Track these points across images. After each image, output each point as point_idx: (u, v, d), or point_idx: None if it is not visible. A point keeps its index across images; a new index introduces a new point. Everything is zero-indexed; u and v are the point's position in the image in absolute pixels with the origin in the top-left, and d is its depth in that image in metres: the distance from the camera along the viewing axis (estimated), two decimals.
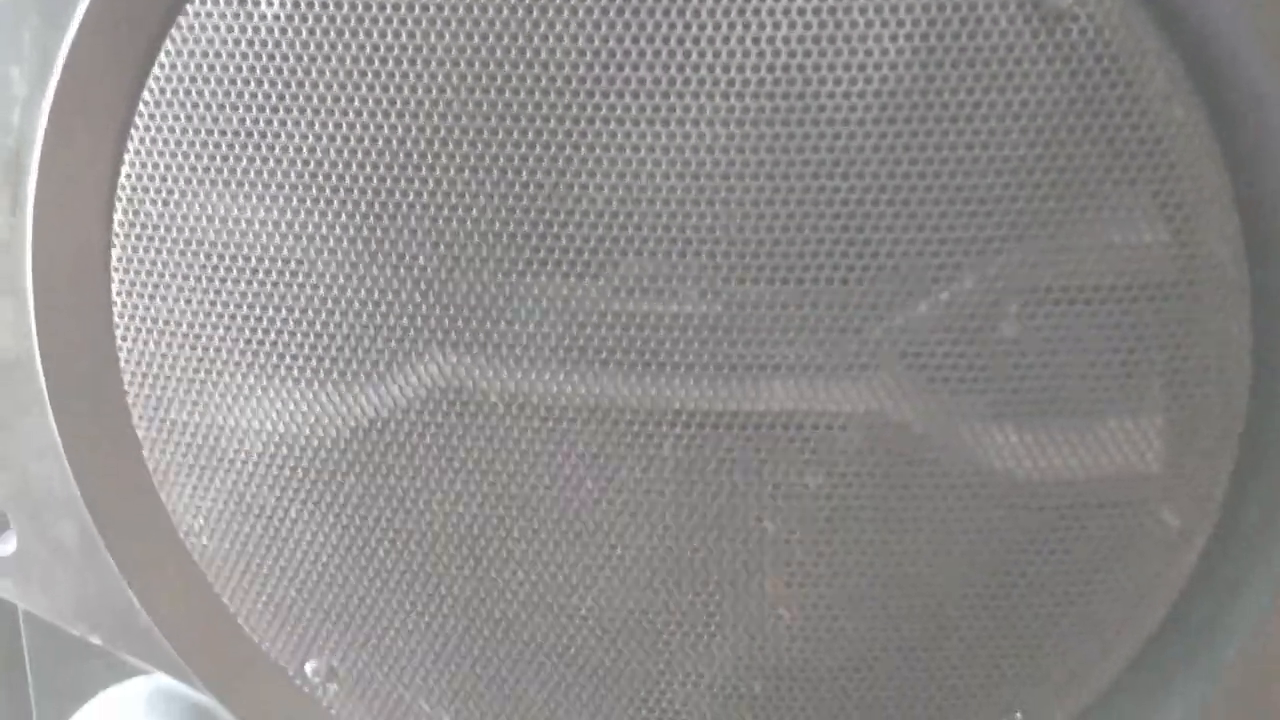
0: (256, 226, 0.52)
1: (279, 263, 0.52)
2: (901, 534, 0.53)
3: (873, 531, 0.53)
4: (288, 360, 0.54)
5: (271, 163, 0.51)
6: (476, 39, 0.48)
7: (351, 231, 0.51)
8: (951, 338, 0.50)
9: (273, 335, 0.53)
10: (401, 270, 0.51)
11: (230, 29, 0.50)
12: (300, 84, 0.50)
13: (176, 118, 0.51)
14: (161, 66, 0.51)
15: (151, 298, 0.54)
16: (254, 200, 0.52)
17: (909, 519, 0.53)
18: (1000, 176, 0.48)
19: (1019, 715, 0.57)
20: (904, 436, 0.51)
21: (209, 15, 0.50)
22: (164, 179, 0.52)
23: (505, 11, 0.48)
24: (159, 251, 0.53)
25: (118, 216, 0.53)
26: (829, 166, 0.48)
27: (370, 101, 0.50)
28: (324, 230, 0.51)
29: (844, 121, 0.48)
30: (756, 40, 0.47)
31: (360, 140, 0.50)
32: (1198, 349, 0.50)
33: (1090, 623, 0.55)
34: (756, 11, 0.47)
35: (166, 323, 0.54)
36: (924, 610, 0.55)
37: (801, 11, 0.47)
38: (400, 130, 0.50)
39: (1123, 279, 0.49)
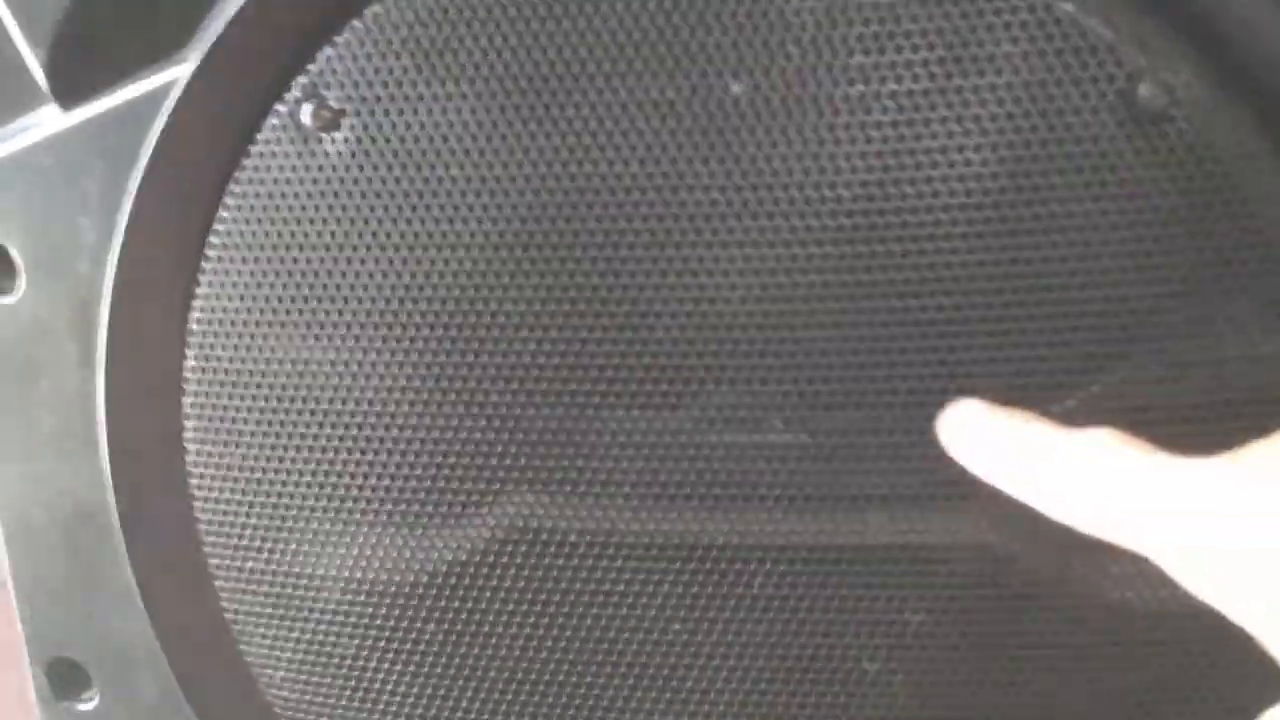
0: (328, 369, 0.50)
1: (351, 405, 0.50)
2: (1014, 674, 0.49)
3: (982, 672, 0.49)
4: (363, 505, 0.51)
5: (340, 304, 0.49)
6: (542, 167, 0.46)
7: (423, 371, 0.49)
8: None
9: (347, 480, 0.51)
10: (475, 409, 0.49)
11: (295, 168, 0.48)
12: (366, 221, 0.48)
13: (244, 260, 0.50)
14: (227, 208, 0.49)
15: (225, 444, 0.52)
16: (324, 342, 0.50)
17: (1021, 658, 0.49)
18: (1100, 290, 0.44)
19: None
20: (1011, 569, 0.48)
21: (273, 155, 0.48)
22: (234, 323, 0.50)
23: (571, 137, 0.46)
24: (231, 397, 0.51)
25: (189, 362, 0.51)
26: (915, 285, 0.45)
27: (436, 236, 0.47)
28: (395, 371, 0.49)
29: (929, 237, 0.45)
30: (832, 156, 0.45)
31: (428, 277, 0.48)
32: None
33: None
34: (831, 127, 0.44)
35: (241, 469, 0.52)
36: None
37: (879, 125, 0.44)
38: (468, 264, 0.48)
39: (1239, 394, 0.45)
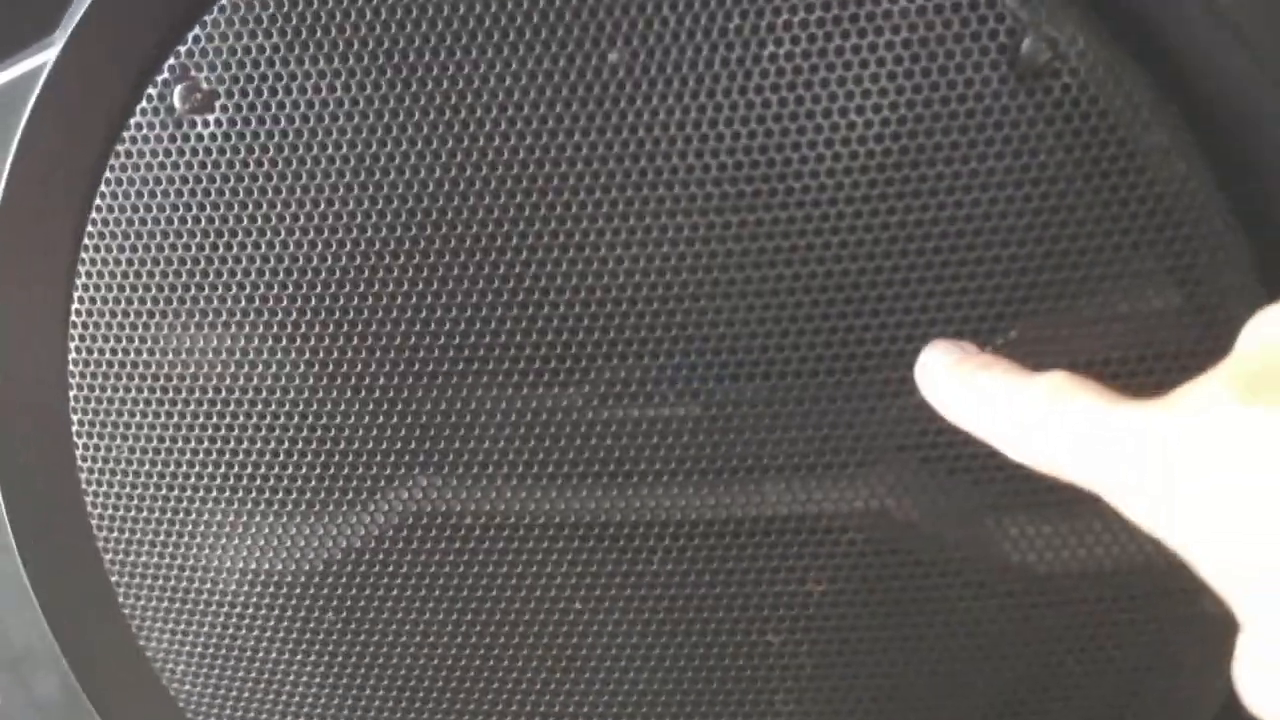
0: (212, 356, 0.48)
1: (238, 393, 0.48)
2: (917, 640, 0.48)
3: (886, 639, 0.48)
4: (255, 494, 0.50)
5: (221, 289, 0.47)
6: (420, 144, 0.45)
7: (308, 355, 0.47)
8: (953, 426, 0.45)
9: (239, 469, 0.49)
10: (363, 393, 0.48)
11: (168, 152, 0.46)
12: (244, 204, 0.46)
13: (122, 248, 0.48)
14: (103, 196, 0.47)
15: (113, 436, 0.50)
16: (207, 330, 0.48)
17: (924, 624, 0.48)
18: (993, 250, 0.43)
19: None
20: (911, 535, 0.47)
21: (146, 140, 0.47)
22: (115, 313, 0.49)
23: (449, 112, 0.44)
24: (116, 389, 0.50)
25: (71, 355, 0.50)
26: (811, 251, 0.44)
27: (316, 218, 0.46)
28: (281, 357, 0.48)
29: (825, 202, 0.44)
30: (728, 122, 0.43)
31: (309, 259, 0.46)
32: None
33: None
34: (711, 93, 0.43)
35: (130, 462, 0.50)
36: None
37: (760, 89, 0.43)
38: (349, 245, 0.46)
39: (1134, 351, 0.44)
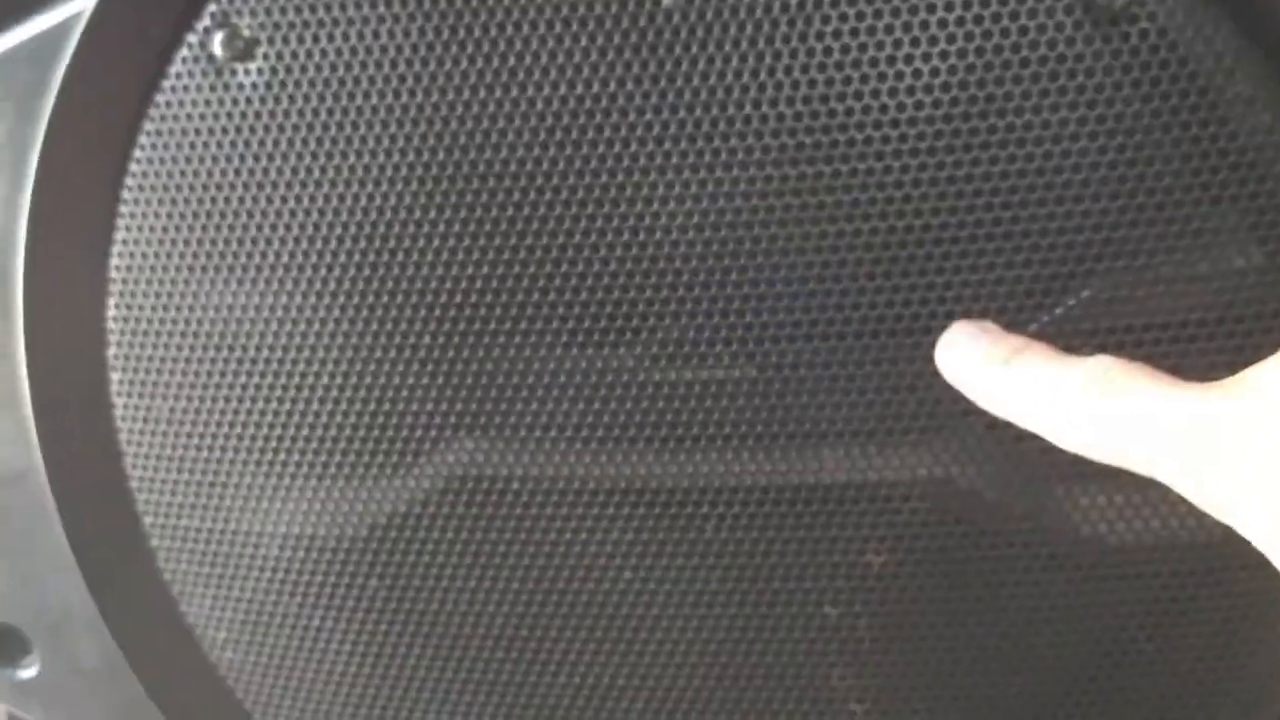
0: (253, 314, 0.46)
1: (280, 352, 0.46)
2: (981, 614, 0.45)
3: (948, 613, 0.46)
4: (298, 457, 0.48)
5: (264, 245, 0.45)
6: (468, 92, 0.42)
7: (353, 314, 0.45)
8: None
9: (280, 431, 0.47)
10: (408, 353, 0.45)
11: (209, 103, 0.44)
12: (286, 156, 0.44)
13: (162, 202, 0.46)
14: (142, 148, 0.45)
15: (153, 396, 0.48)
16: (249, 286, 0.46)
17: (987, 597, 0.45)
18: (1064, 205, 0.41)
19: None
20: (975, 504, 0.44)
21: (186, 90, 0.45)
22: (155, 269, 0.47)
23: (497, 59, 0.42)
24: (157, 346, 0.48)
25: (110, 312, 0.48)
26: (866, 207, 0.42)
27: (360, 170, 0.44)
28: (324, 315, 0.46)
29: (885, 155, 0.41)
30: (786, 70, 0.41)
31: (354, 213, 0.44)
32: None
33: (1222, 699, 0.47)
34: (770, 39, 0.40)
35: (170, 422, 0.49)
36: (1018, 699, 0.47)
37: (821, 35, 0.40)
38: (395, 199, 0.44)
39: (1213, 312, 0.41)
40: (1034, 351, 0.38)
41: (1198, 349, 0.41)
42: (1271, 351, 0.39)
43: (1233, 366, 0.39)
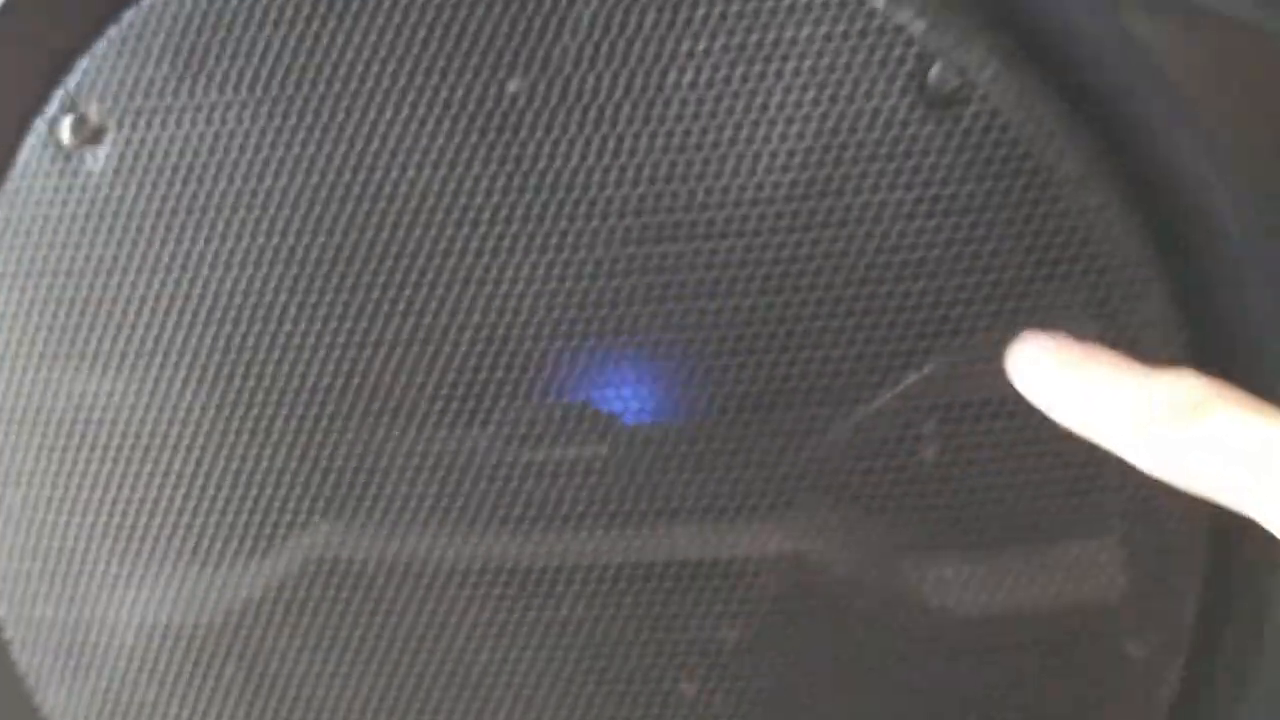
0: (105, 400, 0.45)
1: (133, 439, 0.46)
2: (837, 688, 0.45)
3: (804, 687, 0.46)
4: (153, 544, 0.47)
5: (115, 331, 0.45)
6: (317, 176, 0.42)
7: (205, 399, 0.45)
8: (865, 465, 0.43)
9: (134, 518, 0.47)
10: (263, 438, 0.45)
11: (57, 189, 0.44)
12: (135, 243, 0.44)
13: (11, 289, 0.45)
14: None
15: (6, 485, 0.47)
16: (100, 372, 0.45)
17: (842, 670, 0.45)
18: (905, 283, 0.41)
19: None
20: (826, 579, 0.44)
21: (34, 175, 0.44)
22: (6, 358, 0.46)
23: (345, 144, 0.42)
24: (8, 435, 0.47)
25: None
26: (721, 284, 0.42)
27: (209, 256, 0.43)
28: (176, 400, 0.45)
29: (734, 234, 0.41)
30: (632, 152, 0.41)
31: (204, 298, 0.44)
32: None
33: None
34: (614, 122, 0.41)
35: (24, 511, 0.48)
36: None
37: (665, 119, 0.41)
38: (245, 283, 0.43)
39: None
40: (1103, 356, 0.37)
41: (1035, 422, 0.42)
42: None
43: (1068, 438, 0.40)
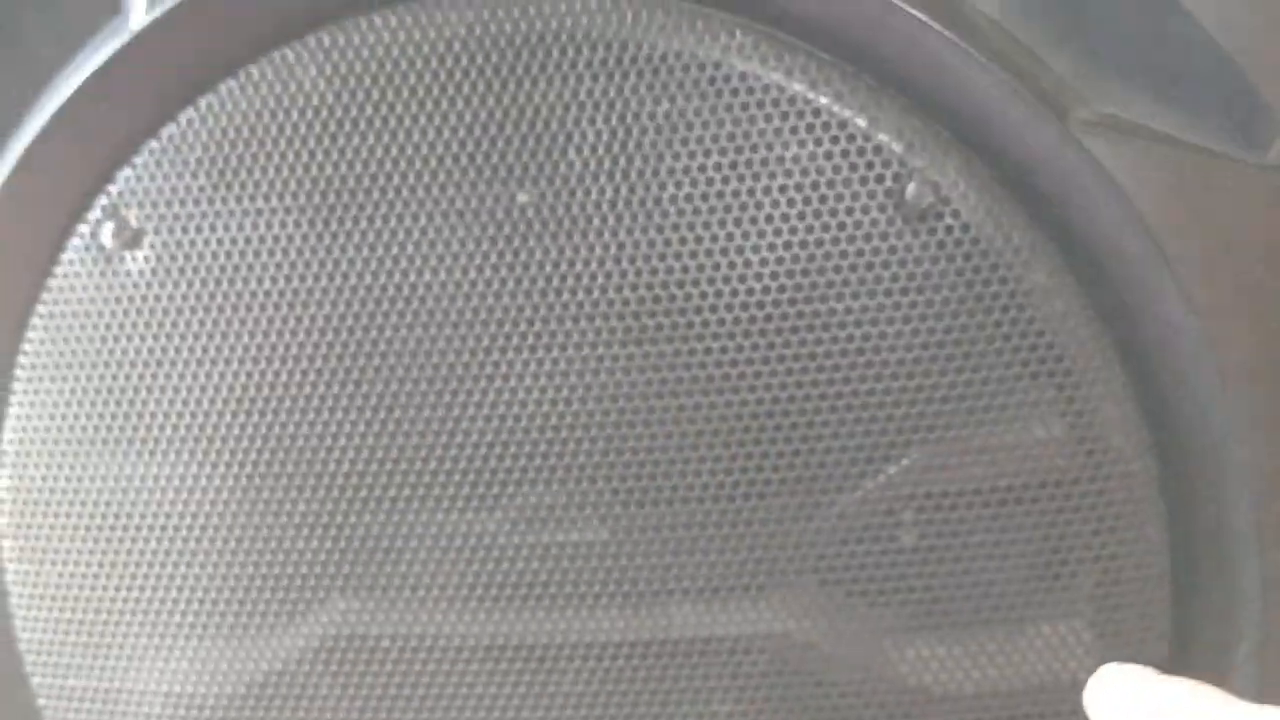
0: (138, 484, 0.48)
1: (165, 519, 0.49)
2: None
3: None
4: (179, 618, 0.50)
5: (150, 419, 0.48)
6: (339, 278, 0.45)
7: (232, 482, 0.48)
8: (849, 550, 0.45)
9: (163, 594, 0.49)
10: (286, 519, 0.48)
11: (98, 287, 0.47)
12: (170, 337, 0.47)
13: (54, 379, 0.48)
14: (34, 329, 0.48)
15: (42, 562, 0.50)
16: (134, 457, 0.48)
17: None
18: (884, 381, 0.44)
19: None
20: (812, 657, 0.47)
21: (77, 275, 0.47)
22: (46, 441, 0.49)
23: (366, 250, 0.45)
24: (46, 515, 0.50)
25: (3, 482, 0.50)
26: (713, 382, 0.45)
27: (240, 349, 0.46)
28: (205, 483, 0.48)
29: (725, 335, 0.44)
30: (631, 259, 0.44)
31: (234, 390, 0.47)
32: (1111, 549, 0.45)
33: None
34: (615, 231, 0.44)
35: (59, 586, 0.50)
36: None
37: (661, 229, 0.44)
38: (271, 376, 0.46)
39: (1020, 480, 0.45)
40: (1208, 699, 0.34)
41: (1008, 512, 0.45)
42: (1075, 515, 0.43)
43: (1038, 528, 0.43)
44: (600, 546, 0.47)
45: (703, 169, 0.43)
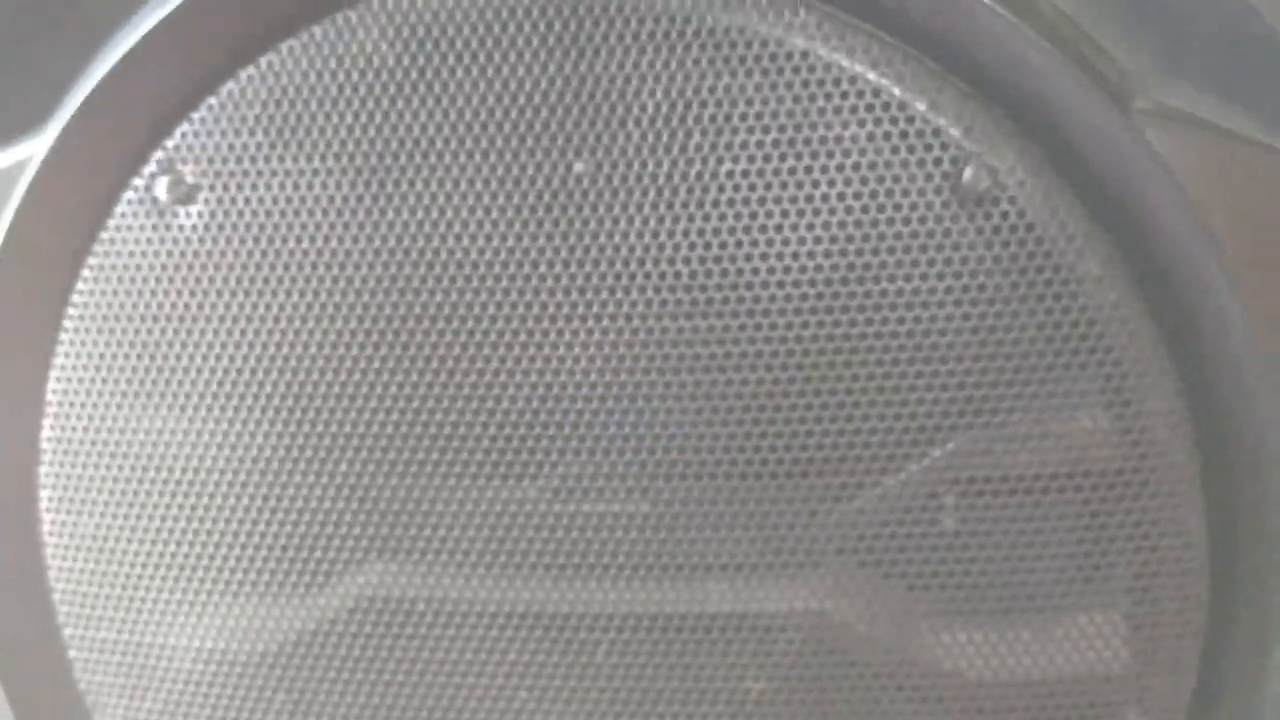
0: (181, 439, 0.48)
1: (204, 475, 0.49)
2: None
3: None
4: (215, 575, 0.49)
5: (194, 374, 0.48)
6: (391, 241, 0.45)
7: (275, 442, 0.48)
8: (890, 532, 0.45)
9: (199, 549, 0.49)
10: (327, 480, 0.48)
11: (150, 241, 0.47)
12: (219, 293, 0.47)
13: (100, 330, 0.48)
14: (84, 280, 0.48)
15: (80, 513, 0.50)
16: (177, 412, 0.48)
17: None
18: (932, 365, 0.44)
19: None
20: (847, 637, 0.47)
21: (129, 228, 0.47)
22: (90, 393, 0.49)
23: (420, 212, 0.45)
24: (86, 466, 0.50)
25: (45, 431, 0.50)
26: (758, 358, 0.45)
27: (288, 308, 0.46)
28: (248, 441, 0.48)
29: (775, 312, 0.44)
30: (684, 233, 0.44)
31: (279, 348, 0.47)
32: (1151, 541, 0.45)
33: None
34: (670, 205, 0.44)
35: (95, 538, 0.50)
36: None
37: (716, 204, 0.44)
38: (319, 335, 0.46)
39: (1064, 468, 0.45)
40: None
41: (1049, 500, 0.45)
42: (1117, 506, 0.43)
43: (1079, 518, 0.43)
44: (640, 519, 0.47)
45: (760, 145, 0.43)
